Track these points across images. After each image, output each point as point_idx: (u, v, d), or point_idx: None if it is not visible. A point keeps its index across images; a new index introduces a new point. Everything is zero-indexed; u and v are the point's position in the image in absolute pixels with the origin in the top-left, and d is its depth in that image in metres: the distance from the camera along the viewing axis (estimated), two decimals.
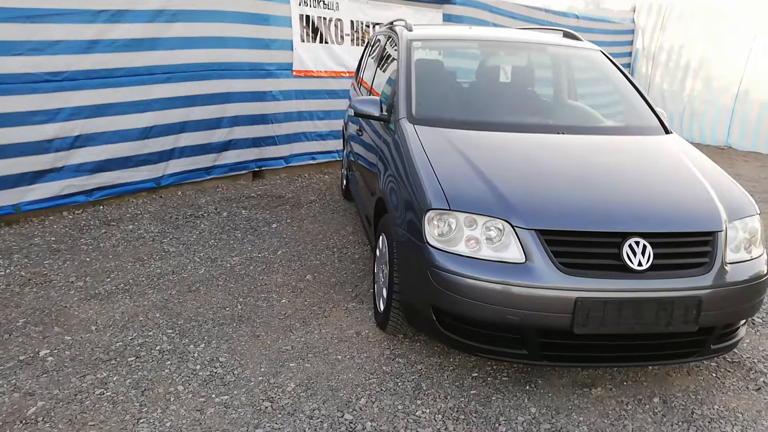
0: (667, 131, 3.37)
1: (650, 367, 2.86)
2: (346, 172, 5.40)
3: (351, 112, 4.01)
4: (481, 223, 2.44)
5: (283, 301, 3.46)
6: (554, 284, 2.30)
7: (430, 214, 2.51)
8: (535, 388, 2.66)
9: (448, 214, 2.48)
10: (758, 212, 2.72)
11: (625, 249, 2.35)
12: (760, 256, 2.62)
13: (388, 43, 4.31)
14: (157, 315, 3.21)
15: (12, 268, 3.73)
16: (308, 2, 6.26)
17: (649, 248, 2.36)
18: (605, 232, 2.38)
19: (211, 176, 5.77)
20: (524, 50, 3.94)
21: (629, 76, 3.71)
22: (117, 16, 4.77)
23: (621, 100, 3.63)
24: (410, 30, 3.85)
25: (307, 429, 2.33)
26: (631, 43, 12.01)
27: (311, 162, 6.67)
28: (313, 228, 4.77)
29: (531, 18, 9.09)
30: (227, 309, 3.32)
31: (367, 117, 3.45)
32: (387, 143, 3.27)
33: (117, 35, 4.80)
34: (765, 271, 2.60)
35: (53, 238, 4.26)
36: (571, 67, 4.02)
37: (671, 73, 11.51)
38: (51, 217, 4.65)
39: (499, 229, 2.42)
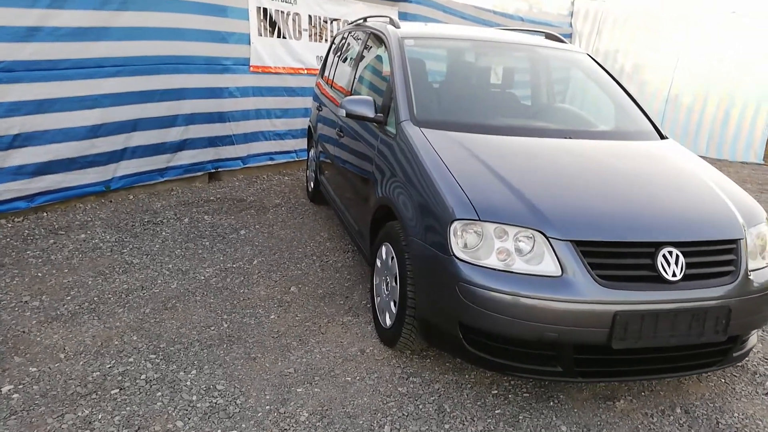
0: (662, 136, 3.37)
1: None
2: (314, 175, 5.14)
3: (325, 111, 3.78)
4: (512, 234, 2.30)
5: (272, 316, 3.19)
6: (593, 298, 2.20)
7: (455, 225, 2.34)
8: (560, 404, 2.56)
9: (474, 224, 2.33)
10: (766, 218, 2.75)
11: (659, 259, 2.29)
12: None
13: (367, 41, 4.10)
14: (134, 338, 2.87)
15: None
16: None
17: (681, 258, 2.31)
18: (640, 242, 2.30)
19: (165, 178, 5.34)
20: (515, 51, 3.85)
21: (618, 80, 3.70)
22: (60, 2, 4.28)
23: (613, 104, 3.61)
24: (398, 27, 3.67)
25: None
26: None
27: (269, 162, 6.34)
28: (285, 234, 4.49)
29: (479, 18, 9.13)
30: (212, 328, 3.02)
31: (360, 118, 3.24)
32: (386, 147, 3.07)
33: (60, 22, 4.31)
34: None
35: None
36: (564, 70, 3.98)
37: None
38: None
39: (530, 239, 2.29)
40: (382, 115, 3.20)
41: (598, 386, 2.71)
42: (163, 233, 4.29)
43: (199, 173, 5.65)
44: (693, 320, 2.29)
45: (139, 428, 2.23)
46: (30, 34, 4.16)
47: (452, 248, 2.33)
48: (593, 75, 3.74)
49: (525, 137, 2.98)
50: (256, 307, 3.28)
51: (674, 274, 2.29)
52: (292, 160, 6.52)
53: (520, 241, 2.31)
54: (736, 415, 2.58)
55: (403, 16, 7.72)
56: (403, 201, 2.74)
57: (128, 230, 4.29)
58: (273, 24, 6.07)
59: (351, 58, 4.39)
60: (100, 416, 2.27)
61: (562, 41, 4.03)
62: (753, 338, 2.72)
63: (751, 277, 2.45)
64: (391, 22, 3.78)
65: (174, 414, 2.32)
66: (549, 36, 4.13)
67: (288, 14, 6.23)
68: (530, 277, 2.25)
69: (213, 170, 5.79)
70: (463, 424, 2.38)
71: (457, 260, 2.32)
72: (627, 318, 2.21)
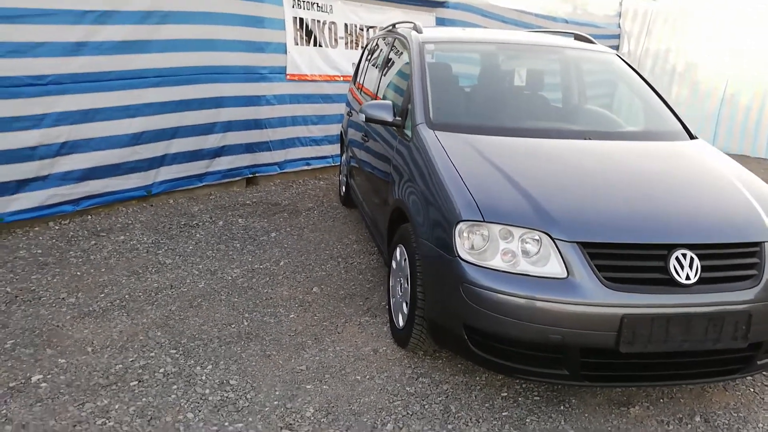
0: (691, 136, 3.26)
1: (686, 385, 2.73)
2: (345, 179, 5.22)
3: (356, 116, 3.84)
4: (517, 236, 2.28)
5: (292, 316, 3.26)
6: (599, 300, 2.15)
7: (461, 226, 2.34)
8: (570, 409, 2.51)
9: (480, 225, 2.32)
10: None
11: (672, 262, 2.22)
12: None
13: (392, 46, 4.14)
14: (158, 334, 2.99)
15: None
16: (302, 5, 6.08)
17: (696, 261, 2.23)
18: (651, 244, 2.24)
19: (204, 183, 5.54)
20: (540, 53, 3.81)
21: (648, 80, 3.60)
22: (104, 17, 4.52)
23: (642, 104, 3.51)
24: (420, 32, 3.69)
25: None
26: (617, 48, 12.04)
27: (306, 168, 6.47)
28: (314, 237, 4.58)
29: (521, 22, 9.02)
30: (233, 326, 3.11)
31: (380, 122, 3.28)
32: (403, 150, 3.10)
33: (105, 37, 4.55)
34: None
35: (40, 251, 4.00)
36: (590, 70, 3.90)
37: (657, 78, 11.54)
38: (36, 228, 4.38)
39: (536, 241, 2.27)
40: (400, 119, 3.23)
41: (613, 392, 2.64)
42: (197, 235, 4.46)
43: (236, 178, 5.83)
44: (709, 325, 2.21)
45: (151, 418, 2.33)
46: (77, 48, 4.42)
47: (457, 249, 2.33)
48: (621, 75, 3.66)
49: (542, 139, 2.94)
50: (277, 307, 3.36)
51: (688, 278, 2.21)
52: (328, 165, 6.63)
53: (526, 242, 2.28)
54: (761, 425, 2.46)
55: (441, 22, 7.74)
56: (414, 202, 2.76)
57: (165, 232, 4.48)
58: (309, 33, 6.20)
59: (379, 64, 4.45)
60: (117, 406, 2.39)
61: (591, 42, 3.96)
62: None
63: None
64: (415, 27, 3.80)
65: (186, 406, 2.42)
66: (578, 37, 4.06)
67: (324, 23, 6.36)
68: (535, 279, 2.22)
69: (250, 175, 5.95)
70: (467, 425, 2.36)
71: (461, 261, 2.32)
72: (635, 321, 2.15)
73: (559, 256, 2.22)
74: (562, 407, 2.52)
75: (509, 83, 3.73)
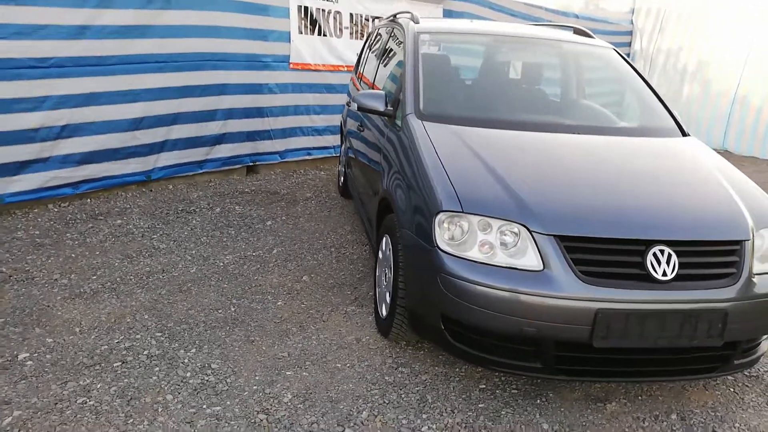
0: (684, 133, 3.24)
1: (666, 382, 2.73)
2: (344, 169, 5.24)
3: (354, 106, 3.85)
4: (496, 227, 2.28)
5: (279, 303, 3.29)
6: (574, 294, 2.16)
7: (440, 216, 2.35)
8: (547, 403, 2.52)
9: (460, 216, 2.33)
10: None
11: (649, 258, 2.21)
12: None
13: (391, 36, 4.14)
14: (146, 316, 3.03)
15: None
16: None
17: (674, 257, 2.22)
18: (629, 240, 2.24)
19: (204, 170, 5.58)
20: (536, 46, 3.79)
21: (644, 75, 3.57)
22: (107, 1, 4.55)
23: (637, 100, 3.49)
24: (417, 22, 3.68)
25: None
26: (629, 44, 11.92)
27: (307, 157, 6.49)
28: (309, 226, 4.60)
29: (530, 16, 8.95)
30: (220, 311, 3.15)
31: (372, 112, 3.28)
32: (392, 140, 3.11)
33: (107, 21, 4.58)
34: None
35: (37, 232, 4.06)
36: (586, 65, 3.88)
37: (669, 77, 11.43)
38: (36, 210, 4.44)
39: (514, 233, 2.27)
40: (392, 108, 3.24)
41: (592, 387, 2.64)
42: (194, 221, 4.50)
43: (237, 166, 5.86)
44: (684, 323, 2.20)
45: (131, 399, 2.37)
46: (79, 32, 4.45)
47: (436, 239, 2.34)
48: (617, 70, 3.63)
49: (531, 132, 2.94)
50: (265, 294, 3.39)
51: (665, 274, 2.20)
52: (330, 155, 6.64)
53: (504, 234, 2.29)
54: (737, 425, 2.45)
55: (448, 14, 7.70)
56: (399, 192, 2.77)
57: (162, 218, 4.52)
58: (314, 22, 6.20)
59: (378, 54, 4.44)
60: (98, 386, 2.43)
61: (590, 36, 3.93)
62: (764, 345, 2.57)
63: (755, 281, 2.32)
64: (411, 17, 3.80)
65: (166, 388, 2.45)
66: (577, 31, 4.03)
67: (329, 12, 6.35)
68: (511, 271, 2.23)
69: (251, 163, 5.99)
70: (442, 415, 2.38)
71: (440, 251, 2.33)
72: (610, 316, 2.15)
73: (536, 249, 2.22)
74: (538, 401, 2.53)
75: (503, 76, 3.72)
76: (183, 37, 5.11)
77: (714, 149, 8.66)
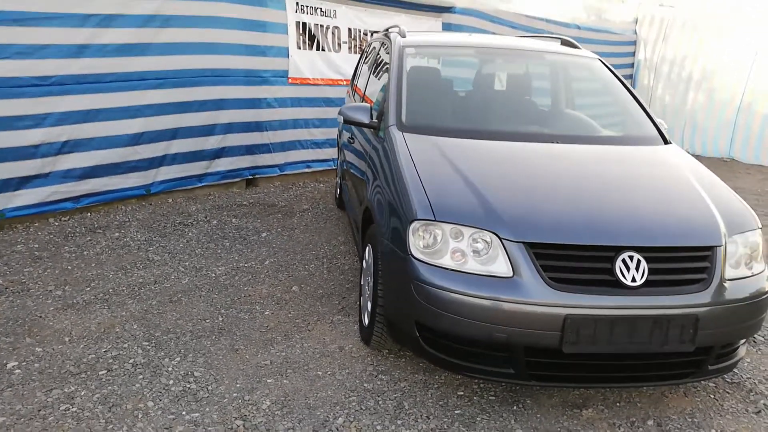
0: (666, 141, 3.26)
1: (645, 388, 2.73)
2: (340, 181, 5.30)
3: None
4: (467, 235, 2.32)
5: (267, 313, 3.34)
6: (542, 300, 2.19)
7: (414, 224, 2.40)
8: (523, 409, 2.53)
9: (433, 225, 2.37)
10: (759, 226, 2.60)
11: (618, 264, 2.24)
12: (761, 272, 2.50)
13: (382, 49, 4.22)
14: (135, 326, 3.10)
15: None
16: (305, 10, 6.19)
17: (643, 263, 2.25)
18: (597, 246, 2.26)
19: (203, 183, 5.67)
20: (521, 58, 3.84)
21: (628, 85, 3.60)
22: (107, 21, 4.69)
23: (619, 109, 3.52)
24: (404, 36, 3.76)
25: None
26: (633, 54, 11.93)
27: (306, 170, 6.57)
28: (303, 237, 4.66)
29: (531, 28, 9.01)
30: (207, 321, 3.21)
31: (357, 124, 3.35)
32: (377, 151, 3.17)
33: (108, 40, 4.71)
34: (766, 288, 2.48)
35: (36, 245, 4.16)
36: (569, 75, 3.92)
37: (673, 85, 11.42)
38: (36, 224, 4.55)
39: (486, 241, 2.31)
40: (376, 121, 3.30)
41: (570, 394, 2.65)
42: (190, 234, 4.58)
43: (236, 179, 5.95)
44: (654, 328, 2.22)
45: (113, 405, 2.42)
46: (80, 51, 4.58)
47: (410, 247, 2.39)
48: (601, 80, 3.67)
49: (510, 142, 2.98)
50: (254, 304, 3.44)
51: (634, 280, 2.23)
52: (329, 168, 6.71)
53: (476, 242, 2.33)
54: (713, 431, 2.45)
55: (447, 27, 7.79)
56: (378, 201, 2.82)
57: (159, 230, 4.61)
58: (312, 37, 6.31)
59: (370, 67, 4.52)
60: (82, 393, 2.50)
61: (576, 47, 3.97)
62: (741, 350, 2.57)
63: (726, 286, 2.33)
64: (399, 31, 3.87)
65: (148, 395, 2.51)
66: (564, 42, 4.07)
67: (327, 28, 6.46)
68: (482, 278, 2.26)
69: (250, 176, 6.07)
70: (417, 421, 2.41)
71: (414, 259, 2.37)
72: (579, 322, 2.18)
73: (506, 256, 2.25)
74: (515, 407, 2.54)
75: (486, 87, 3.77)
76: (182, 54, 5.23)
77: (720, 158, 8.56)
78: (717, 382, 2.83)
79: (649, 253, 2.27)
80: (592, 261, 2.26)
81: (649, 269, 2.25)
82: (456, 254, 2.32)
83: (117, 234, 4.48)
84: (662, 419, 2.51)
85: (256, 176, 6.14)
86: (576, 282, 2.22)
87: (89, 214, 4.87)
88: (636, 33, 11.87)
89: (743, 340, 2.59)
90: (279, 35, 5.98)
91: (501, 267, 2.26)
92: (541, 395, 2.64)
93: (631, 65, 11.98)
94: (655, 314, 2.22)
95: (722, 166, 9.97)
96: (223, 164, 5.78)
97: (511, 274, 2.24)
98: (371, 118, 3.30)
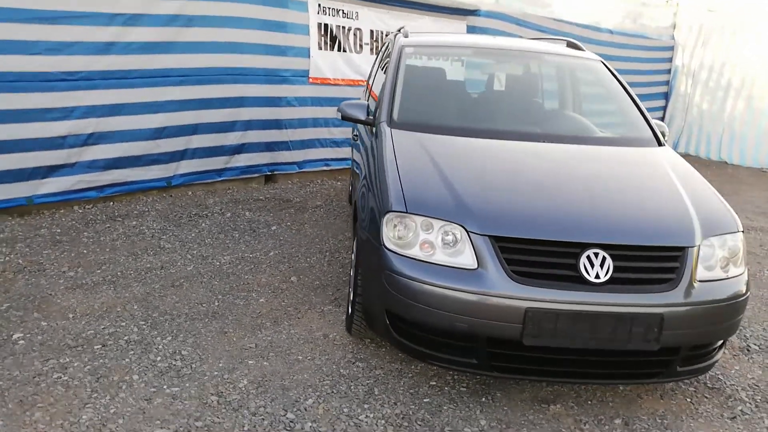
0: (660, 144, 3.24)
1: (621, 388, 2.74)
2: (351, 178, 5.42)
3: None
4: (437, 227, 2.39)
5: (261, 300, 3.47)
6: (504, 292, 2.24)
7: (388, 216, 2.48)
8: (492, 401, 2.58)
9: (406, 217, 2.45)
10: (740, 230, 2.58)
11: (583, 260, 2.26)
12: (738, 275, 2.48)
13: (389, 49, 4.31)
14: (135, 307, 3.28)
15: (12, 255, 3.87)
16: (327, 11, 6.34)
17: (609, 261, 2.27)
18: (562, 242, 2.30)
19: (223, 178, 5.87)
20: (519, 58, 3.87)
21: (628, 87, 3.58)
22: (133, 20, 4.93)
23: (616, 110, 3.52)
24: (406, 36, 3.84)
25: (246, 425, 2.33)
26: (670, 60, 11.66)
27: (325, 168, 6.71)
28: (311, 232, 4.79)
29: (559, 31, 8.92)
30: (204, 305, 3.36)
31: (354, 120, 3.45)
32: (369, 147, 3.27)
33: (132, 38, 4.96)
34: (743, 292, 2.46)
35: (58, 230, 4.41)
36: (567, 76, 3.93)
37: (712, 93, 11.12)
38: (62, 211, 4.82)
39: (455, 234, 2.37)
40: (372, 117, 3.40)
41: (542, 389, 2.68)
42: (203, 224, 4.77)
43: (255, 175, 6.14)
44: (617, 326, 2.24)
45: (101, 376, 2.59)
46: (106, 48, 4.84)
47: (383, 238, 2.47)
48: (601, 82, 3.67)
49: (496, 140, 3.03)
50: (250, 291, 3.58)
51: (597, 276, 2.25)
52: (348, 166, 6.83)
53: (447, 234, 2.39)
54: None
55: (472, 30, 7.81)
56: (363, 194, 2.91)
57: (174, 220, 4.82)
58: (334, 39, 6.45)
59: (381, 66, 4.62)
60: (75, 364, 2.67)
61: (581, 49, 3.98)
62: (718, 354, 2.55)
63: (697, 287, 2.33)
64: (403, 32, 3.96)
65: (135, 369, 2.67)
66: (570, 44, 4.08)
67: (349, 29, 6.60)
68: (448, 269, 2.33)
69: (269, 173, 6.25)
70: (383, 406, 2.49)
71: (386, 250, 2.45)
72: (539, 315, 2.22)
73: (472, 248, 2.31)
74: (484, 399, 2.59)
75: (481, 86, 3.81)
76: (204, 53, 5.44)
77: (760, 168, 8.31)
78: (697, 386, 2.81)
79: (615, 251, 2.29)
80: (556, 256, 2.30)
81: (614, 267, 2.27)
82: (425, 246, 2.39)
83: (134, 222, 4.70)
84: (631, 419, 2.52)
85: (275, 172, 6.31)
86: (539, 276, 2.26)
87: (112, 203, 5.12)
88: (674, 38, 11.61)
89: (720, 343, 2.56)
90: (300, 36, 6.14)
91: (467, 259, 2.32)
92: (513, 389, 2.68)
93: (668, 71, 11.71)
94: (618, 311, 2.24)
95: (762, 176, 9.66)
96: (243, 160, 5.97)
97: (475, 266, 2.29)
98: (367, 114, 3.40)
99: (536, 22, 8.64)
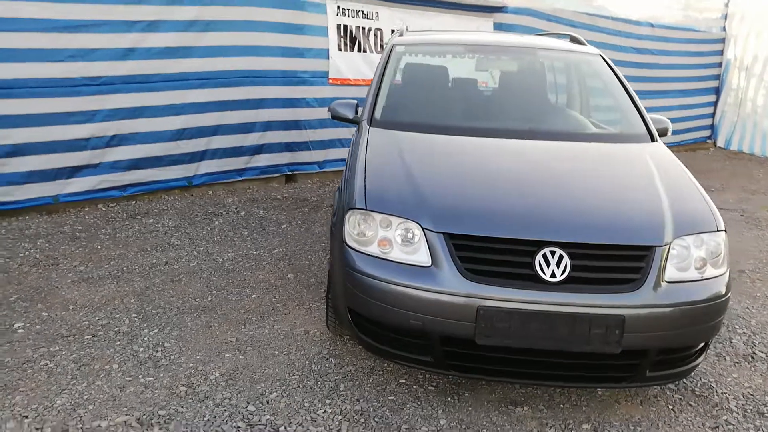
0: (653, 139, 3.11)
1: (599, 392, 2.65)
2: None
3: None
4: (395, 225, 2.39)
5: (254, 296, 3.55)
6: (455, 290, 2.21)
7: (349, 213, 2.50)
8: (457, 401, 2.55)
9: (366, 214, 2.46)
10: (721, 229, 2.44)
11: (539, 258, 2.21)
12: (716, 277, 2.35)
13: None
14: (132, 300, 3.42)
15: (32, 250, 4.11)
16: (346, 13, 6.41)
17: (566, 259, 2.20)
18: (517, 240, 2.24)
19: (243, 178, 6.03)
20: (512, 54, 3.79)
21: (626, 83, 3.45)
22: (152, 26, 5.13)
23: (612, 106, 3.40)
24: (401, 35, 3.84)
25: (207, 415, 2.39)
26: (721, 53, 11.10)
27: None
28: (320, 230, 4.85)
29: (594, 26, 8.67)
30: (197, 300, 3.47)
31: (342, 119, 3.48)
32: (351, 145, 3.29)
33: (152, 43, 5.16)
34: (721, 293, 2.33)
35: (80, 228, 4.64)
36: (563, 71, 3.82)
37: (766, 87, 10.51)
38: (86, 209, 5.06)
39: (413, 231, 2.36)
40: (359, 116, 3.41)
41: (514, 390, 2.63)
42: (216, 222, 4.91)
43: (275, 175, 6.27)
44: (574, 326, 2.17)
45: (83, 365, 2.72)
46: (127, 53, 5.06)
47: (345, 235, 2.49)
48: (599, 76, 3.54)
49: (471, 137, 2.98)
50: (245, 287, 3.67)
51: (553, 275, 2.19)
52: None
53: (404, 231, 2.38)
54: None
55: (499, 27, 7.71)
56: (338, 192, 2.93)
57: (189, 218, 4.98)
58: (353, 40, 6.51)
59: None
60: (63, 352, 2.82)
61: (582, 44, 3.86)
62: (698, 359, 2.43)
63: (664, 288, 2.23)
64: (400, 30, 3.95)
65: (117, 359, 2.79)
66: (573, 39, 3.97)
67: (369, 30, 6.63)
68: (403, 266, 2.32)
69: (289, 173, 6.37)
70: (344, 402, 2.50)
71: (347, 247, 2.46)
72: (492, 314, 2.18)
73: (427, 246, 2.29)
74: (450, 399, 2.56)
75: (470, 84, 3.75)
76: (223, 56, 5.60)
77: None
78: (684, 393, 2.68)
79: (573, 249, 2.22)
80: (512, 254, 2.25)
81: (571, 266, 2.20)
82: (383, 243, 2.38)
83: (151, 220, 4.89)
84: (602, 424, 2.43)
85: (295, 172, 6.42)
86: (493, 274, 2.22)
87: (134, 201, 5.34)
88: (725, 30, 11.04)
89: (701, 346, 2.44)
90: (319, 38, 6.23)
91: (422, 256, 2.30)
92: (483, 390, 2.64)
93: (719, 65, 11.15)
94: (574, 312, 2.17)
95: None
96: (263, 160, 6.10)
97: (430, 263, 2.27)
98: (355, 113, 3.42)
99: (569, 18, 8.42)
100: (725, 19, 11.07)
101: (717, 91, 11.28)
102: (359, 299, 2.40)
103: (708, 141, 11.35)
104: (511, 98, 3.58)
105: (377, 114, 3.18)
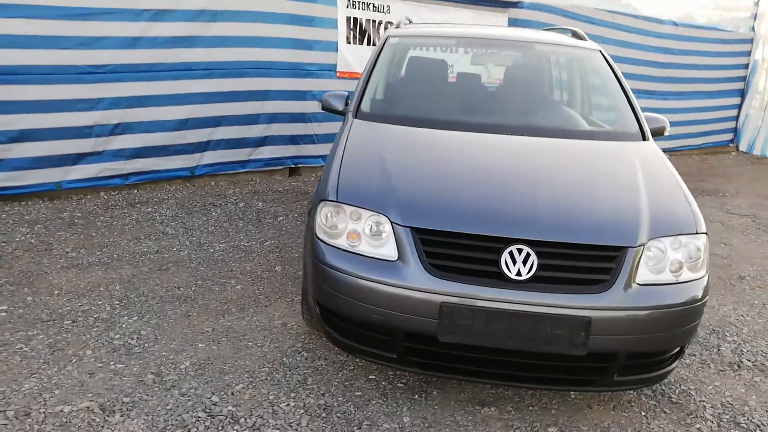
0: (644, 138, 3.01)
1: (571, 395, 2.57)
2: None
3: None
4: (365, 218, 2.35)
5: (238, 287, 3.55)
6: (418, 285, 2.16)
7: (321, 205, 2.46)
8: (425, 399, 2.50)
9: (338, 206, 2.42)
10: (702, 231, 2.34)
11: (505, 256, 2.15)
12: (692, 280, 2.26)
13: None
14: (117, 287, 3.44)
15: (28, 235, 4.17)
16: (357, 5, 6.37)
17: (533, 258, 2.14)
18: (484, 236, 2.18)
19: (246, 169, 6.04)
20: (509, 48, 3.71)
21: (623, 80, 3.34)
22: (159, 15, 5.17)
23: (607, 102, 3.29)
24: (397, 27, 3.79)
25: (170, 404, 2.39)
26: (748, 54, 10.77)
27: None
28: None
29: (614, 24, 8.48)
30: (181, 289, 3.47)
31: (333, 111, 3.45)
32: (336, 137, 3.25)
33: (158, 33, 5.20)
34: (698, 297, 2.24)
35: (79, 214, 4.70)
36: (560, 66, 3.72)
37: None
38: (89, 196, 5.13)
39: (382, 225, 2.32)
40: (346, 107, 3.38)
41: (484, 391, 2.57)
42: (213, 213, 4.93)
43: (279, 167, 6.27)
44: (538, 326, 2.11)
45: (57, 350, 2.74)
46: (133, 42, 5.11)
47: (315, 227, 2.45)
48: (596, 72, 3.44)
49: (452, 131, 2.91)
50: (230, 278, 3.67)
51: (519, 274, 2.13)
52: None
53: (376, 225, 2.34)
54: None
55: (513, 22, 7.59)
56: (317, 185, 2.90)
57: (188, 208, 5.01)
58: (363, 32, 6.47)
59: None
60: (40, 336, 2.85)
61: (583, 39, 3.76)
62: (672, 364, 2.34)
63: (634, 290, 2.15)
64: (398, 23, 3.90)
65: (91, 345, 2.80)
66: (574, 34, 3.87)
67: (380, 23, 6.59)
68: (369, 260, 2.28)
69: (293, 165, 6.37)
70: (308, 396, 2.47)
71: (317, 239, 2.43)
72: (454, 311, 2.13)
73: (394, 240, 2.25)
74: (416, 397, 2.52)
75: (461, 77, 3.67)
76: (229, 47, 5.62)
77: None
78: (659, 399, 2.59)
79: (541, 247, 2.15)
80: (478, 251, 2.19)
81: (538, 264, 2.13)
82: (352, 235, 2.35)
83: (150, 209, 4.93)
84: (569, 428, 2.36)
85: (299, 165, 6.42)
86: (458, 271, 2.17)
87: (136, 190, 5.39)
88: (753, 30, 10.71)
89: (676, 351, 2.35)
90: (328, 30, 6.21)
91: (389, 250, 2.26)
92: (452, 389, 2.58)
93: (745, 66, 10.82)
94: (538, 312, 2.10)
95: None
96: (266, 152, 6.11)
97: (396, 257, 2.23)
98: (345, 105, 3.38)
99: (587, 14, 8.25)
100: (755, 18, 10.74)
101: (742, 94, 10.96)
102: (326, 293, 2.37)
103: (730, 145, 11.04)
104: (502, 92, 3.50)
105: (364, 106, 3.14)
